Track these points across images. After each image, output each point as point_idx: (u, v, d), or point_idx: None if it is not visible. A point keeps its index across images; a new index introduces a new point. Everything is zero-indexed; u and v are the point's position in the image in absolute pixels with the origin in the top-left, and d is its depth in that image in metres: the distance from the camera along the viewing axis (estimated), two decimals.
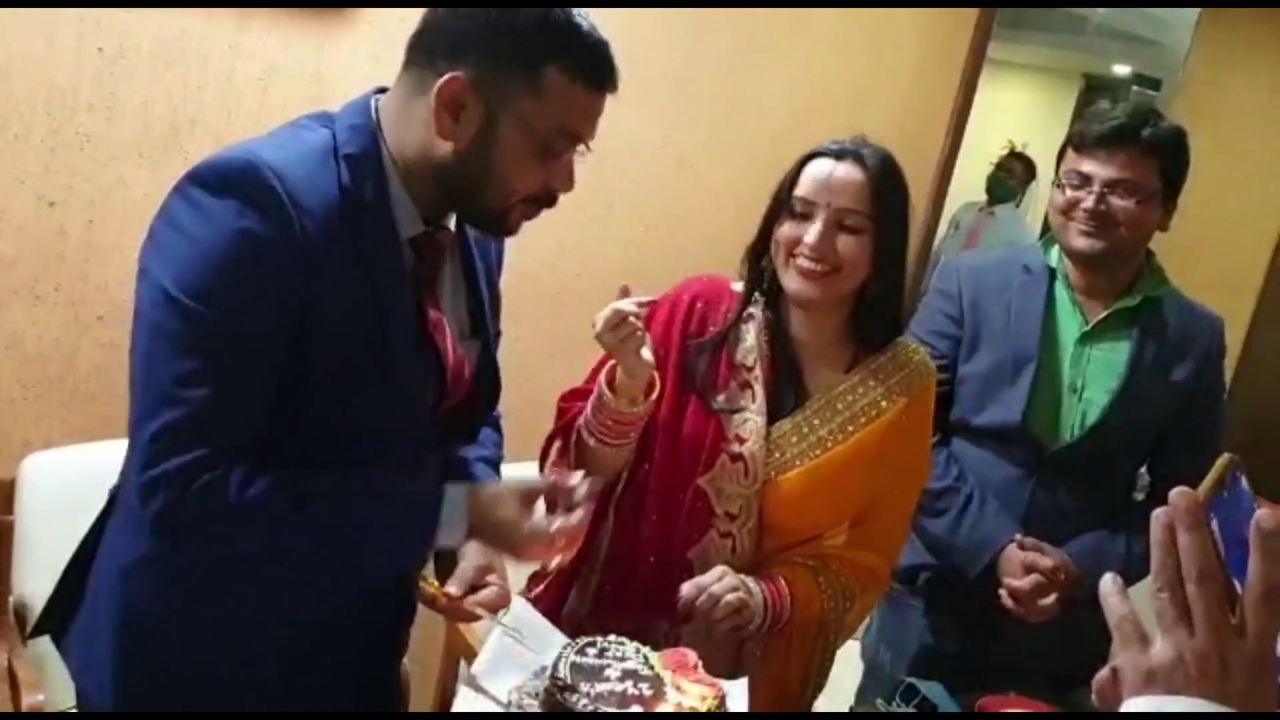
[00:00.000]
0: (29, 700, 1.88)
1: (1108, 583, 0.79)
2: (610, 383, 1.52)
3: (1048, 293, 2.01)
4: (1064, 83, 6.59)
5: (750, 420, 1.60)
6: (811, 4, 3.00)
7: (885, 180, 1.56)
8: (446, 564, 1.45)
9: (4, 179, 2.25)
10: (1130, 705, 0.74)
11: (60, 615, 1.46)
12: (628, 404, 1.52)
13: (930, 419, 1.73)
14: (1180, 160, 1.95)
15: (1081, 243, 1.94)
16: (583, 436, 1.56)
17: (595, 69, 1.28)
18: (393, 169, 1.31)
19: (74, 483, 2.06)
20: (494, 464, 1.58)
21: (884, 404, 1.63)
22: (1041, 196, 6.42)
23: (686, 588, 1.50)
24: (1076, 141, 1.95)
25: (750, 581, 1.54)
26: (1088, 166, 1.92)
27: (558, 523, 1.32)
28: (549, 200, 1.35)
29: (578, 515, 1.34)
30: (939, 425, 2.01)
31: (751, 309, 1.66)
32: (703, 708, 1.31)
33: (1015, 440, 1.97)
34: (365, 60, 2.54)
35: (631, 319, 1.45)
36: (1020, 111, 6.33)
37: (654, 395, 1.55)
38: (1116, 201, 1.91)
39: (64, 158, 2.28)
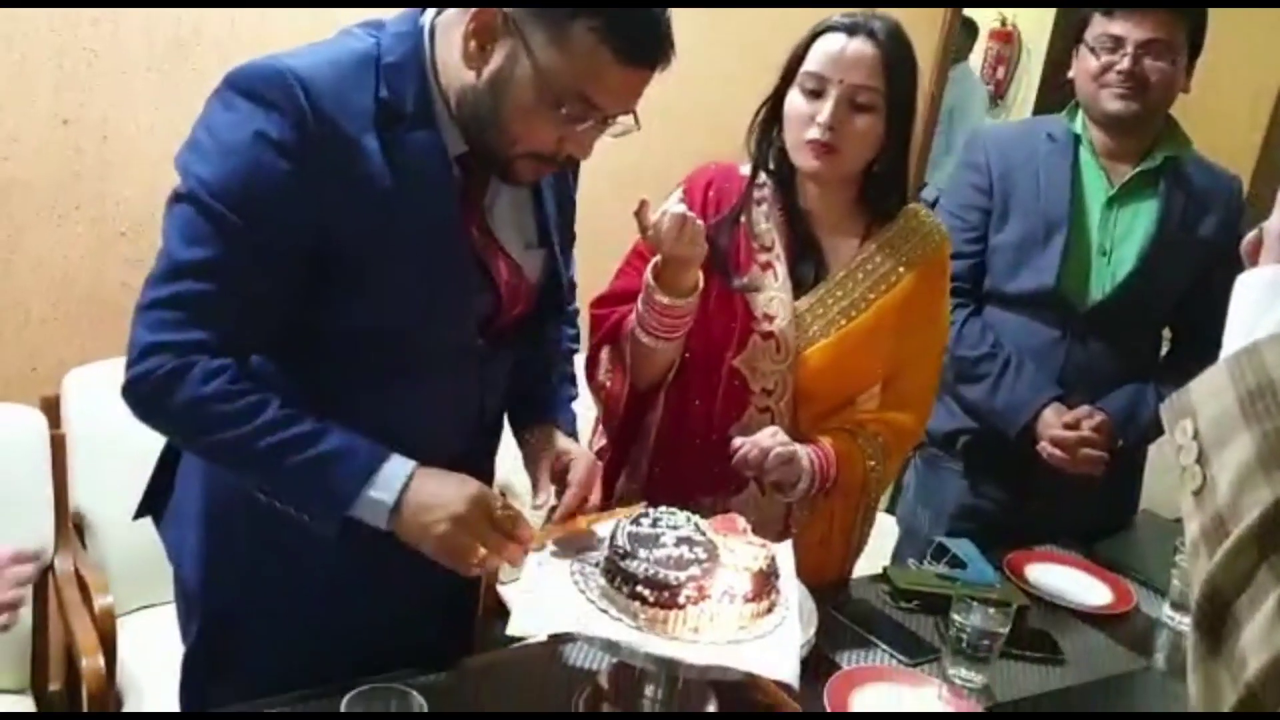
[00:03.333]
0: (100, 602, 1.95)
1: None
2: (657, 278, 1.53)
3: (1073, 159, 2.02)
4: None
5: (776, 298, 1.62)
6: None
7: (897, 55, 1.55)
8: None
9: (15, 101, 2.23)
10: (1257, 271, 0.73)
11: (156, 499, 1.50)
12: (680, 296, 1.53)
13: (946, 280, 1.74)
14: (1203, 19, 1.95)
15: (1117, 105, 1.95)
16: (637, 336, 1.57)
17: (631, 39, 1.19)
18: (435, 84, 1.28)
19: (115, 396, 2.11)
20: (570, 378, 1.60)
21: (901, 270, 1.65)
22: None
23: (738, 441, 1.54)
24: (1105, 4, 1.93)
25: (795, 446, 1.57)
26: (1119, 29, 1.92)
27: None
28: (563, 162, 1.30)
29: None
30: (973, 295, 2.04)
31: (763, 188, 1.66)
32: (754, 567, 1.35)
33: (1049, 304, 2.00)
34: None
35: (692, 218, 1.46)
36: None
37: (700, 285, 1.55)
38: (1150, 62, 1.91)
39: (73, 75, 2.26)
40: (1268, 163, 4.07)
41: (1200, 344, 2.10)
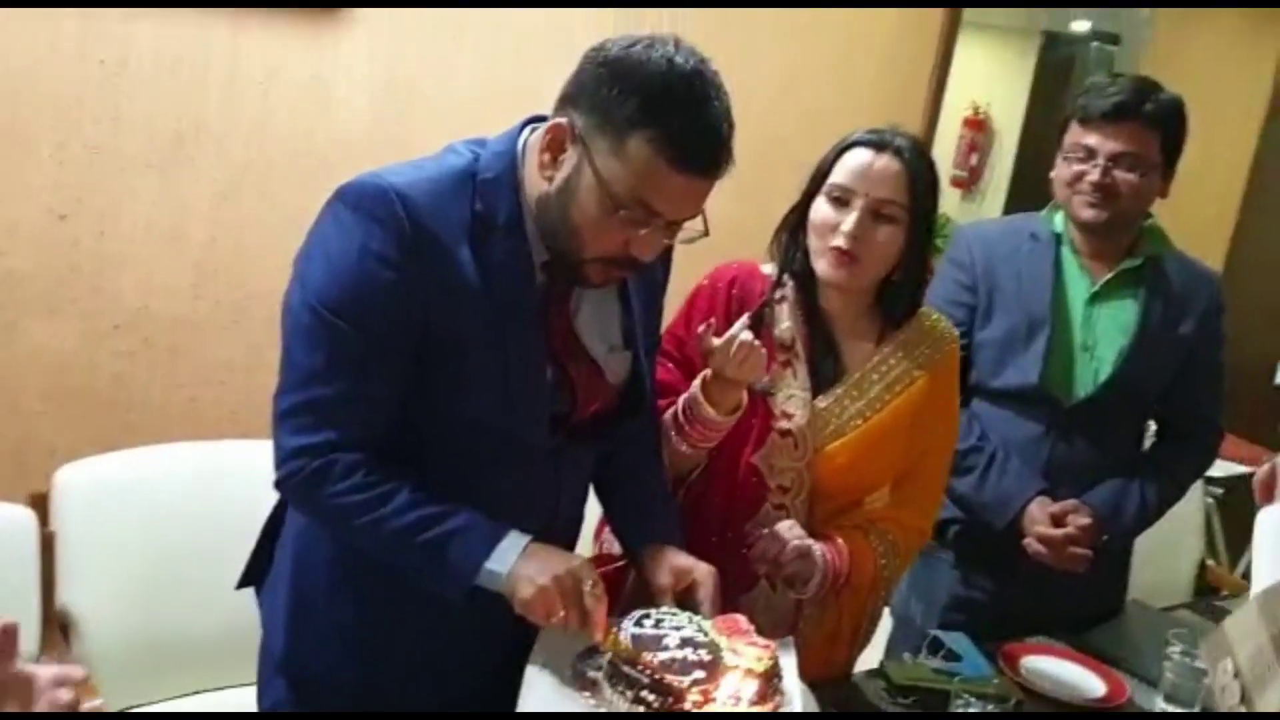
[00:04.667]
0: (88, 704, 1.91)
1: None
2: (705, 394, 1.58)
3: (1055, 258, 2.08)
4: (1024, 40, 6.64)
5: (796, 396, 1.66)
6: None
7: (920, 172, 1.62)
8: None
9: (14, 193, 2.26)
10: (1277, 507, 0.76)
11: (257, 570, 1.60)
12: (727, 414, 1.58)
13: (956, 382, 1.80)
14: (1179, 131, 2.02)
15: (1088, 214, 2.01)
16: (675, 444, 1.62)
17: (686, 149, 1.27)
18: (524, 197, 1.38)
19: (108, 492, 2.12)
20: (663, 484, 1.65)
21: (915, 373, 1.71)
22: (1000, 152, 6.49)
23: (755, 534, 1.59)
24: (1081, 115, 2.01)
25: (811, 541, 1.61)
26: (1092, 140, 1.99)
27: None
28: (632, 264, 1.37)
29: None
30: (960, 389, 2.08)
31: (784, 288, 1.71)
32: (759, 669, 1.36)
33: (1033, 400, 2.04)
34: (364, 60, 2.57)
35: (758, 346, 1.54)
36: (983, 71, 6.38)
37: (745, 403, 1.60)
38: (1120, 174, 1.98)
39: (72, 170, 2.30)
40: (1236, 258, 4.17)
41: (1181, 439, 2.17)
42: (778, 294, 1.70)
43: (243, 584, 1.63)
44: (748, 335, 1.53)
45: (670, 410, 1.62)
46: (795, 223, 1.68)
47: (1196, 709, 1.76)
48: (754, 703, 1.32)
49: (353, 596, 1.47)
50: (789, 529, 1.60)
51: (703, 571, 1.50)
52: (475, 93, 2.69)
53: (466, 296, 1.34)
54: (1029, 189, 4.43)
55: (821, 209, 1.63)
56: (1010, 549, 2.03)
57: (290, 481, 1.37)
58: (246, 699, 1.99)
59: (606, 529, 1.75)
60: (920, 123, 3.45)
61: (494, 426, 1.41)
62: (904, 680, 1.74)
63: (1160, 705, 1.79)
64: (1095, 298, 2.06)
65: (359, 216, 1.31)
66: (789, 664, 1.43)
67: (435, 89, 2.66)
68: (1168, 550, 2.74)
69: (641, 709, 1.31)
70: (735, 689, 1.33)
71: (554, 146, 1.32)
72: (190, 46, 2.37)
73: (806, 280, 1.69)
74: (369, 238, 1.30)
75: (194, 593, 2.11)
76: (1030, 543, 2.01)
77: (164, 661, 2.13)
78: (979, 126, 6.61)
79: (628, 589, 1.71)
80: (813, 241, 1.64)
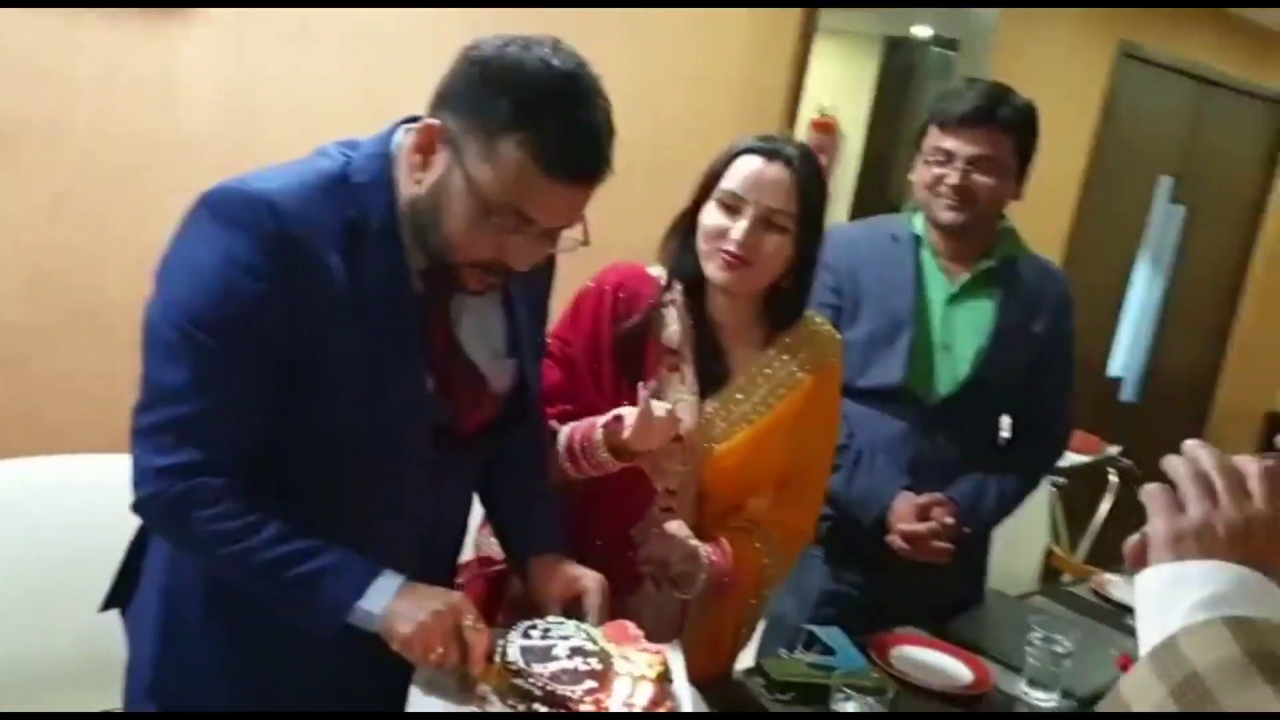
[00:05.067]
0: None
1: (1190, 444, 0.88)
2: (608, 444, 1.58)
3: (915, 259, 2.15)
4: (868, 45, 6.81)
5: (684, 400, 1.67)
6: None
7: (810, 181, 1.64)
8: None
9: None
10: (1152, 571, 0.81)
11: (122, 591, 1.52)
12: (623, 461, 1.59)
13: (838, 385, 1.84)
14: (1031, 134, 2.11)
15: (947, 216, 2.09)
16: (564, 467, 1.62)
17: (560, 155, 1.23)
18: (400, 201, 1.33)
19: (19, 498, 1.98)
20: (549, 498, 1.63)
21: (800, 375, 1.74)
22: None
23: (644, 536, 1.61)
24: (939, 119, 2.08)
25: (698, 542, 1.62)
26: (950, 144, 2.06)
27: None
28: (508, 271, 1.33)
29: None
30: None
31: (672, 292, 1.71)
32: (651, 674, 1.37)
33: (897, 398, 2.11)
34: (210, 60, 2.46)
35: (671, 413, 1.56)
36: (828, 75, 6.53)
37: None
38: (978, 177, 2.06)
39: None
40: (1073, 255, 4.40)
41: (1034, 432, 2.27)
42: (665, 297, 1.70)
43: (107, 606, 1.54)
44: (661, 410, 1.54)
45: (564, 439, 1.62)
46: (685, 227, 1.68)
47: (1056, 692, 1.84)
48: (647, 709, 1.32)
49: (226, 621, 1.41)
50: (678, 529, 1.61)
51: (590, 580, 1.50)
52: (324, 92, 2.62)
53: (339, 307, 1.29)
54: (873, 190, 4.57)
55: (713, 214, 1.64)
56: (878, 543, 2.09)
57: (151, 504, 1.30)
58: None
59: (484, 529, 1.72)
60: (778, 126, 3.52)
61: (371, 441, 1.36)
62: (782, 677, 1.77)
63: (1023, 689, 1.87)
64: (954, 298, 2.14)
65: (223, 225, 1.25)
66: (678, 667, 1.44)
67: (283, 89, 2.58)
68: (1018, 539, 2.86)
69: None
70: (627, 696, 1.32)
71: (425, 148, 1.28)
72: (23, 41, 2.23)
73: (695, 284, 1.69)
74: (234, 247, 1.24)
75: (44, 614, 1.97)
76: (894, 539, 2.07)
77: (11, 688, 1.99)
78: (826, 129, 6.76)
79: (511, 595, 1.69)
80: (703, 246, 1.65)
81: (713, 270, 1.64)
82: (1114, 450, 4.21)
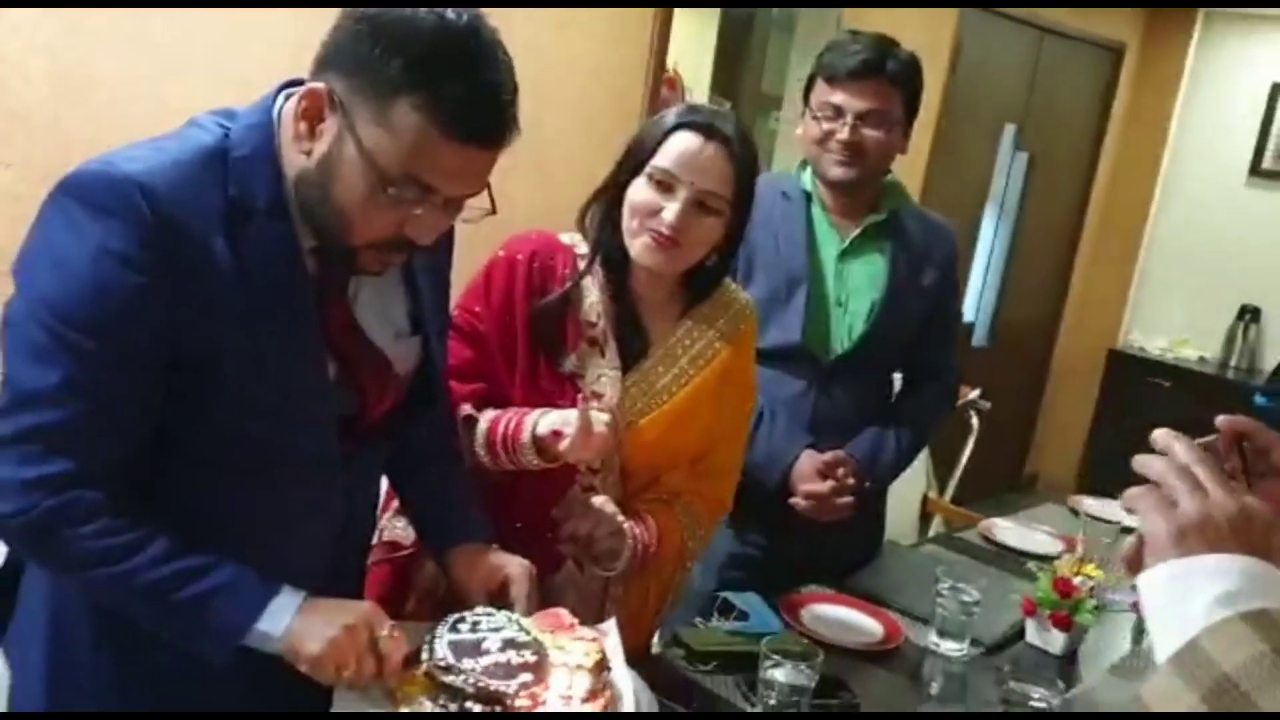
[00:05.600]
0: None
1: (1161, 436, 0.86)
2: (539, 450, 1.52)
3: (806, 216, 2.13)
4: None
5: (604, 375, 1.61)
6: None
7: (746, 163, 1.58)
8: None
9: None
10: (1157, 570, 0.79)
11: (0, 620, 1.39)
12: (544, 463, 1.53)
13: (753, 354, 1.81)
14: (918, 88, 2.11)
15: (838, 171, 2.07)
16: (480, 458, 1.56)
17: (460, 116, 1.13)
18: (285, 174, 1.21)
19: None
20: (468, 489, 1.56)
21: (717, 345, 1.69)
22: None
23: (562, 514, 1.56)
24: (827, 74, 2.05)
25: (623, 518, 1.58)
26: (838, 98, 2.04)
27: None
28: (409, 247, 1.24)
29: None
30: None
31: (587, 264, 1.64)
32: (588, 663, 1.32)
33: (796, 357, 2.09)
34: (45, 26, 2.24)
35: (610, 426, 1.51)
36: (673, 32, 6.56)
37: None
38: (868, 132, 2.04)
39: None
40: (925, 204, 4.48)
41: (925, 384, 2.30)
42: (582, 269, 1.63)
43: None
44: (601, 422, 1.48)
45: (484, 431, 1.55)
46: (610, 200, 1.60)
47: (965, 641, 1.87)
48: (585, 700, 1.27)
49: (116, 646, 1.29)
50: (603, 504, 1.56)
51: (516, 567, 1.43)
52: (173, 59, 2.42)
53: (226, 295, 1.18)
54: None
55: (643, 191, 1.56)
56: (781, 504, 2.08)
57: (16, 520, 1.15)
58: None
59: (386, 515, 1.64)
60: (643, 89, 3.46)
61: (273, 440, 1.26)
62: (703, 647, 1.74)
63: (933, 640, 1.89)
64: (845, 254, 2.14)
65: (91, 213, 1.13)
66: (616, 654, 1.39)
67: (120, 56, 2.36)
68: (901, 488, 2.92)
69: None
70: (565, 687, 1.27)
71: (310, 115, 1.16)
72: None
73: (617, 258, 1.62)
74: (106, 237, 1.12)
75: None
76: (797, 500, 2.07)
77: None
78: (671, 85, 6.77)
79: (422, 586, 1.62)
80: (630, 222, 1.58)
81: (640, 249, 1.57)
82: (974, 394, 4.34)
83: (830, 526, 2.09)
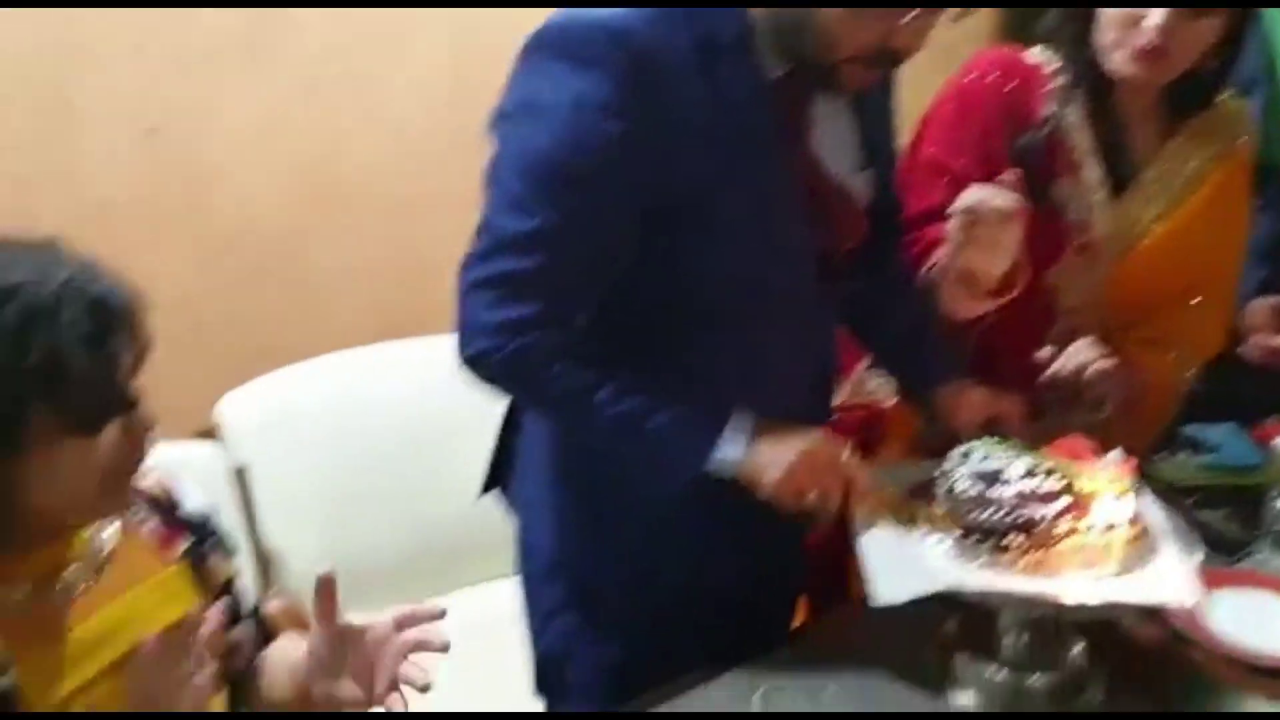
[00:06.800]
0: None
1: None
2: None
3: None
4: None
5: (1089, 204, 1.52)
6: None
7: None
8: None
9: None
10: None
11: (500, 472, 1.49)
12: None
13: (1247, 174, 1.64)
14: None
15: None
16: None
17: None
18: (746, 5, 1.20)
19: (280, 417, 1.98)
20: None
21: (1209, 166, 1.56)
22: None
23: (1049, 354, 1.50)
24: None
25: (1110, 361, 1.50)
26: None
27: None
28: (894, 60, 1.19)
29: None
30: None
31: (1063, 83, 1.52)
32: (1115, 491, 1.25)
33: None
34: None
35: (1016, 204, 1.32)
36: None
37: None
38: None
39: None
40: None
41: None
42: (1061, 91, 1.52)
43: (487, 488, 1.51)
44: (1004, 202, 1.30)
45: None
46: (1082, 15, 1.48)
47: None
48: (1132, 527, 1.21)
49: (633, 491, 1.33)
50: (1089, 346, 1.49)
51: (1006, 402, 1.40)
52: None
53: (704, 136, 1.17)
54: None
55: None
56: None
57: (485, 360, 1.21)
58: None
59: (854, 373, 1.63)
60: None
61: (756, 280, 1.26)
62: (1178, 481, 1.63)
63: None
64: None
65: (569, 64, 1.14)
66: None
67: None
68: None
69: (1006, 556, 1.20)
70: (1111, 513, 1.21)
71: None
72: None
73: (1095, 77, 1.50)
74: (584, 87, 1.13)
75: (386, 504, 2.02)
76: (1249, 350, 1.82)
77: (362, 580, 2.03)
78: None
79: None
80: (1109, 35, 1.44)
81: (1123, 63, 1.44)
82: None
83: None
